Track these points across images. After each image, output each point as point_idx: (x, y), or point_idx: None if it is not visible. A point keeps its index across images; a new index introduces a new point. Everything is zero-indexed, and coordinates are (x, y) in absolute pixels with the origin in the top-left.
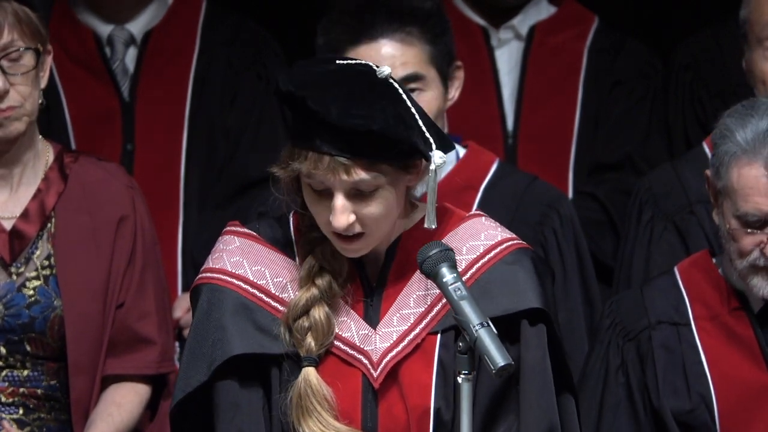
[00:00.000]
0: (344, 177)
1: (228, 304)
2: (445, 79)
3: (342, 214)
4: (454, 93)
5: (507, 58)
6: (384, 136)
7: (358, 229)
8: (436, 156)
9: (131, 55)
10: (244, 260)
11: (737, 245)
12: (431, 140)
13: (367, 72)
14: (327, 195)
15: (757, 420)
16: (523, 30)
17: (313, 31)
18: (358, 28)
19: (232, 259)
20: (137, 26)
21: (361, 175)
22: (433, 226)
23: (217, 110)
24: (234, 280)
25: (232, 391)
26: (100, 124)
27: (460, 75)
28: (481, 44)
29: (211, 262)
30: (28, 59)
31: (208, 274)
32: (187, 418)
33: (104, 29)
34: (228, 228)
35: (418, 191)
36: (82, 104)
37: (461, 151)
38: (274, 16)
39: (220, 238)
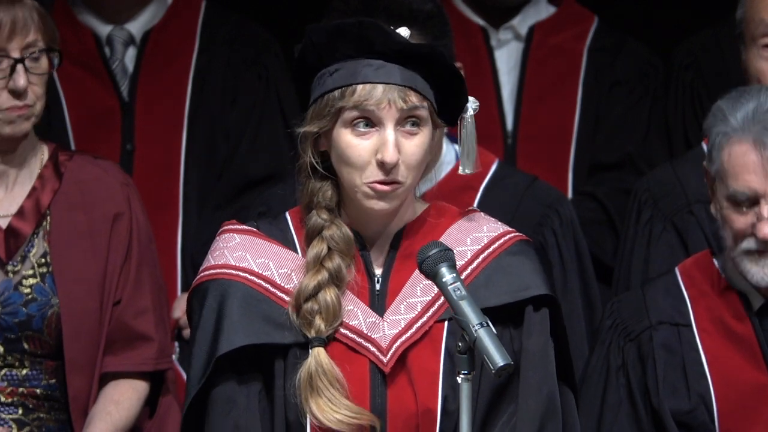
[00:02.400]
0: (399, 104)
1: (237, 296)
2: None
3: (394, 147)
4: None
5: (506, 59)
6: (443, 61)
7: (401, 173)
8: (471, 102)
9: (131, 55)
10: (247, 254)
11: (731, 229)
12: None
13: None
14: (368, 136)
15: (757, 421)
16: (523, 30)
17: None
18: None
19: (234, 254)
20: (136, 26)
21: (414, 102)
22: (468, 171)
23: (217, 110)
24: (239, 273)
25: (230, 385)
26: (99, 124)
27: None
28: (480, 44)
29: (212, 260)
30: (45, 61)
31: (213, 271)
32: (200, 420)
33: (103, 29)
34: (225, 227)
35: (421, 189)
36: (81, 104)
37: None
38: (274, 16)
39: (217, 237)
